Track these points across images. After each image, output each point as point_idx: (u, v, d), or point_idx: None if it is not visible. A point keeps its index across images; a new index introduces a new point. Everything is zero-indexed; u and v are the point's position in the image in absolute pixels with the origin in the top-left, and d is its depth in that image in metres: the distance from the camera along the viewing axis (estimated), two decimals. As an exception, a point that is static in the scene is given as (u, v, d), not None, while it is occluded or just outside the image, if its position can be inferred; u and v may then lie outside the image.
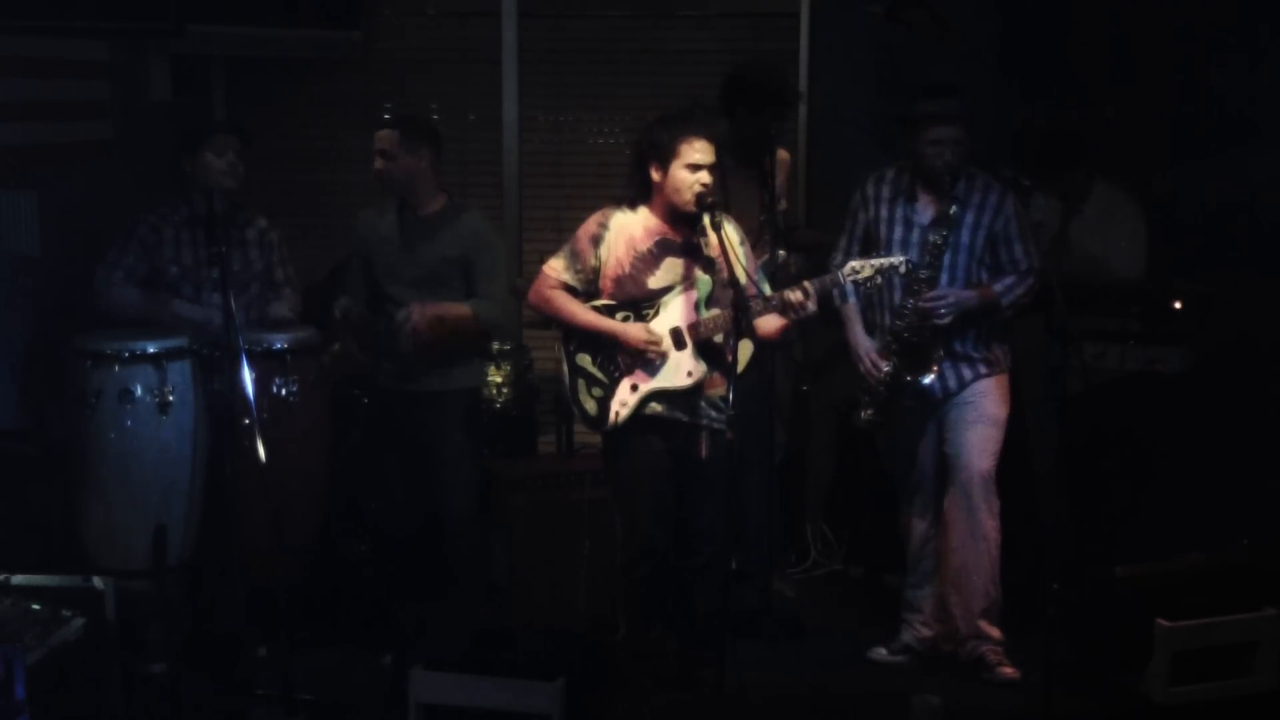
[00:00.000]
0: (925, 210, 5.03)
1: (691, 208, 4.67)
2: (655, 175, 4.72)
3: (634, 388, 4.74)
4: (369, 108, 6.74)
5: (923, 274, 4.92)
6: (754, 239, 5.18)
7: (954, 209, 4.94)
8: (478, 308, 5.22)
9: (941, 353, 4.97)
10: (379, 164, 5.24)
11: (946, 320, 4.94)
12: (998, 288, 5.00)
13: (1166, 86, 5.98)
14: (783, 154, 5.81)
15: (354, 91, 6.78)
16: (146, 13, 5.55)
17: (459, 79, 6.82)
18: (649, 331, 4.71)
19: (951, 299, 4.94)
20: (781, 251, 5.60)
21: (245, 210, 5.48)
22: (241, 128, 5.47)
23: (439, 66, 6.82)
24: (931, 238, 4.96)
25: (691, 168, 4.65)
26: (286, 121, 6.78)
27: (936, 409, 5.09)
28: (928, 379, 4.97)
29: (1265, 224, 5.55)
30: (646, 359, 4.71)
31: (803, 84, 6.61)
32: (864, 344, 5.12)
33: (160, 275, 5.35)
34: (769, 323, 4.74)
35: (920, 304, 4.94)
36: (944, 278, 4.99)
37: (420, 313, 5.13)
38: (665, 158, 4.67)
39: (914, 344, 4.97)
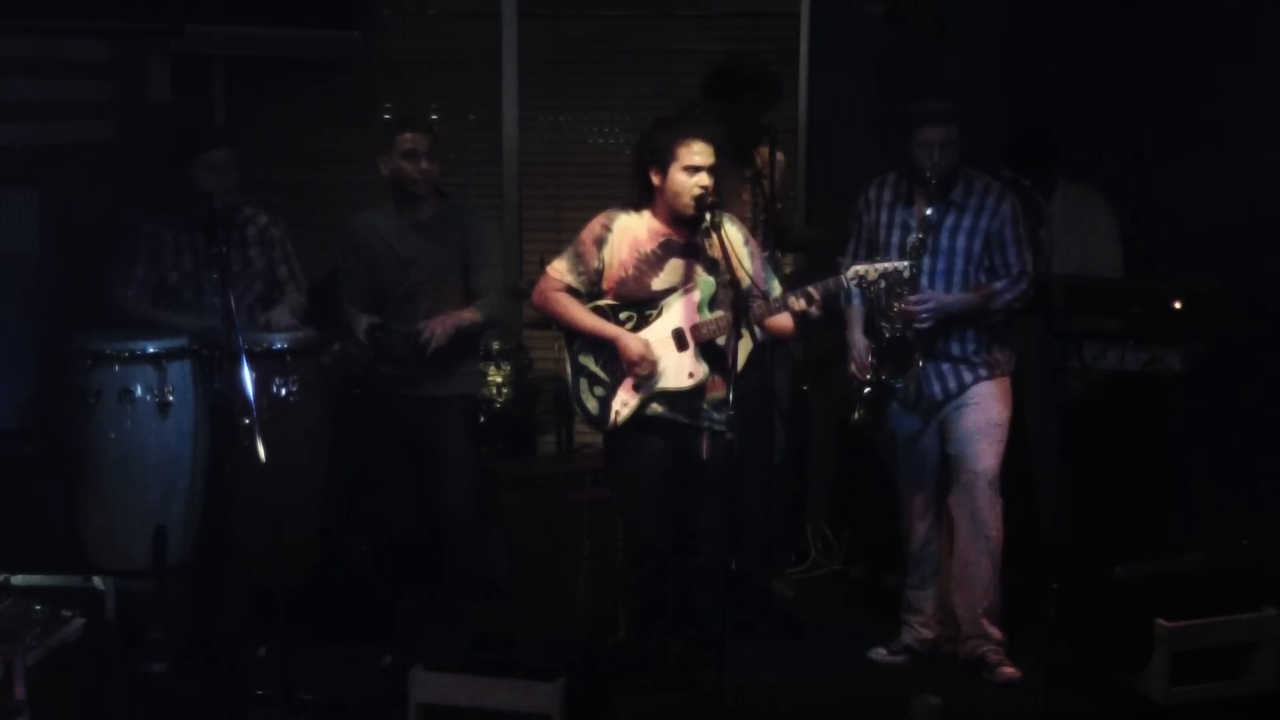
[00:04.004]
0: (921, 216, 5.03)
1: (691, 210, 4.68)
2: (655, 179, 4.73)
3: (636, 388, 4.74)
4: (369, 108, 6.74)
5: (907, 275, 4.91)
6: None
7: (930, 211, 4.93)
8: (484, 310, 5.22)
9: (920, 356, 4.97)
10: (425, 165, 5.12)
11: (928, 324, 4.94)
12: (988, 291, 5.00)
13: (1167, 86, 5.98)
14: (779, 155, 5.80)
15: (354, 91, 6.77)
16: (146, 13, 5.55)
17: (459, 79, 6.82)
18: (646, 349, 4.71)
19: (933, 303, 4.94)
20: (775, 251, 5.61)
21: (243, 209, 5.47)
22: (231, 136, 5.48)
23: (439, 66, 6.81)
24: (911, 239, 4.96)
25: (690, 170, 4.65)
26: (286, 121, 6.78)
27: (937, 410, 5.09)
28: (900, 383, 4.97)
29: (1265, 224, 5.55)
30: (635, 371, 4.71)
31: (803, 84, 6.61)
32: (859, 345, 5.13)
33: (161, 281, 5.36)
34: (783, 319, 4.75)
35: (903, 306, 4.93)
36: (940, 282, 4.99)
37: (441, 331, 5.10)
38: (664, 162, 4.68)
39: (896, 345, 4.97)
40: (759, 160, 5.53)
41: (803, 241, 5.98)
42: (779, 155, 5.76)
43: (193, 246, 5.34)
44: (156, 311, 5.36)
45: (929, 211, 4.92)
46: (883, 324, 4.99)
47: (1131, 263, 5.92)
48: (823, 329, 5.46)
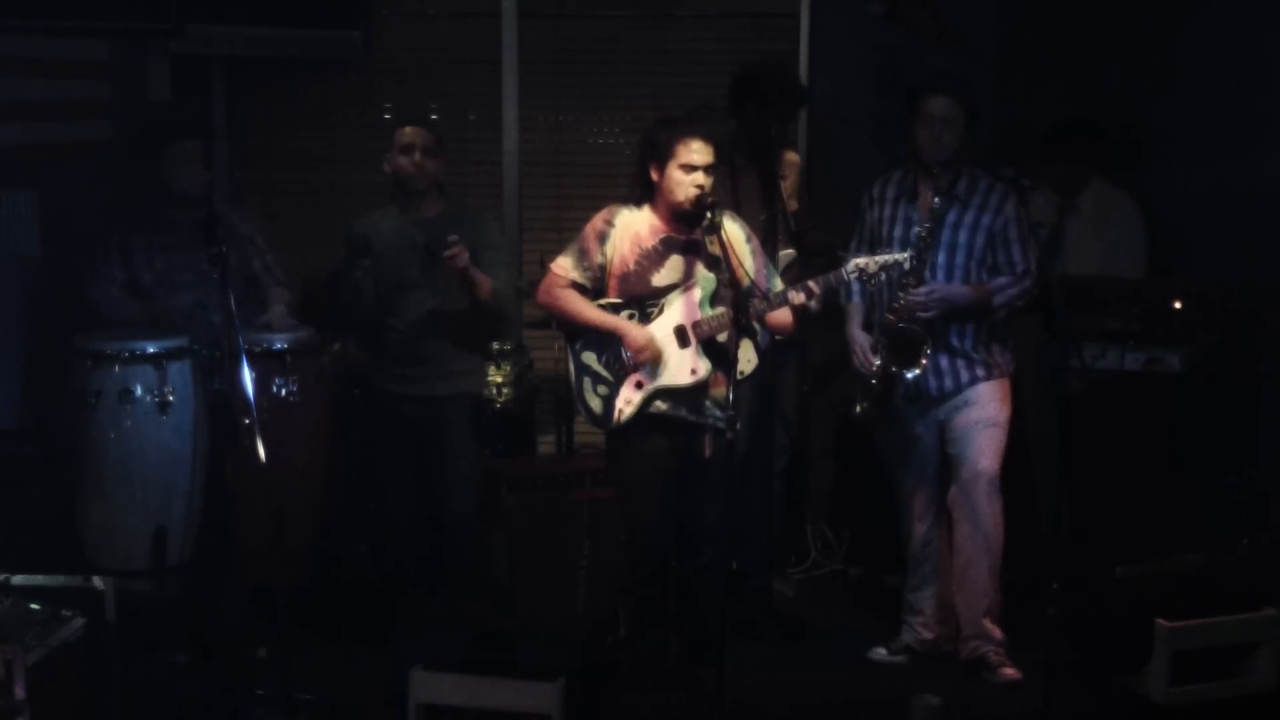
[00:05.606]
0: (926, 209, 5.04)
1: (688, 207, 4.69)
2: (654, 175, 4.74)
3: (639, 385, 4.74)
4: (369, 108, 6.74)
5: (907, 266, 4.91)
6: (760, 237, 5.19)
7: (937, 201, 4.95)
8: (496, 285, 5.19)
9: (929, 348, 4.98)
10: (419, 159, 5.15)
11: (932, 314, 4.95)
12: (991, 287, 5.01)
13: (1167, 87, 5.98)
14: (793, 156, 5.82)
15: (354, 91, 6.77)
16: (146, 13, 5.56)
17: (459, 79, 6.82)
18: (649, 340, 4.71)
19: (939, 294, 4.95)
20: (791, 251, 5.61)
21: (214, 206, 5.44)
22: (201, 130, 5.45)
23: (439, 66, 6.81)
24: (916, 231, 4.97)
25: (686, 168, 4.66)
26: (286, 121, 6.78)
27: (935, 409, 5.09)
28: (912, 373, 4.98)
29: (1266, 224, 5.55)
30: (640, 362, 4.72)
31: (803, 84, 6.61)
32: (860, 339, 5.14)
33: (134, 281, 5.35)
34: (783, 315, 4.76)
35: (907, 297, 4.94)
36: (941, 276, 5.00)
37: (463, 252, 5.02)
38: (662, 158, 4.70)
39: (902, 338, 4.98)
40: (769, 161, 5.54)
41: (818, 245, 5.98)
42: (792, 155, 5.77)
43: (164, 247, 5.33)
44: (131, 306, 5.33)
45: (935, 200, 4.94)
46: (888, 317, 5.00)
47: (1157, 268, 5.90)
48: (824, 328, 5.47)
